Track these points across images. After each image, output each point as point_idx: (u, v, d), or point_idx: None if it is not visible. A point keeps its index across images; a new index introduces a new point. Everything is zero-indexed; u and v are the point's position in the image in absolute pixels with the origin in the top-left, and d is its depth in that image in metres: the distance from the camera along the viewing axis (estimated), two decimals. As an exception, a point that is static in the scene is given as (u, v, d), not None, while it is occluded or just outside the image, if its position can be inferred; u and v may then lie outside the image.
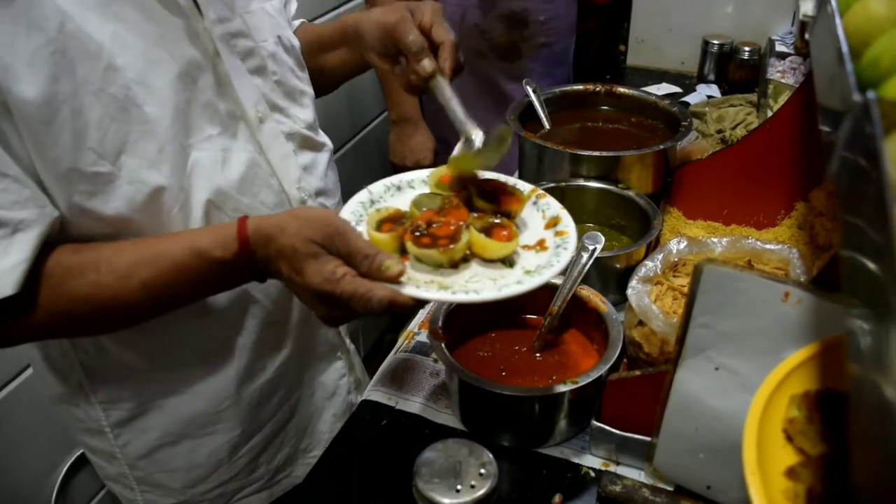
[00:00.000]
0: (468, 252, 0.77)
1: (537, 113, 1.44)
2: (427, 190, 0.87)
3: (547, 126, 1.43)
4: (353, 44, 1.00)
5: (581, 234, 1.04)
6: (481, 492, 0.73)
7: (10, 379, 1.52)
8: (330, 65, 1.09)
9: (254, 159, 0.91)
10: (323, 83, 1.11)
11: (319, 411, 1.12)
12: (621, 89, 1.49)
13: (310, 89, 1.05)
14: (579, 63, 2.09)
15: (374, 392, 1.05)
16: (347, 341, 1.14)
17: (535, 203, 0.86)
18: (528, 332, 1.02)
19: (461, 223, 0.77)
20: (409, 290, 0.69)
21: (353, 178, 1.38)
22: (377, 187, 0.87)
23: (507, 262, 0.77)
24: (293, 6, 1.09)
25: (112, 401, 0.94)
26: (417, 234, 0.75)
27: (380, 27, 0.91)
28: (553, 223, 0.82)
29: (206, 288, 0.83)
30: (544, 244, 0.79)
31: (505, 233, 0.77)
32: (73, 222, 0.78)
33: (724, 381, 0.77)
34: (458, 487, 0.74)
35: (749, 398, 0.57)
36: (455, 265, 0.76)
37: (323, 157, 1.07)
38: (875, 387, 0.33)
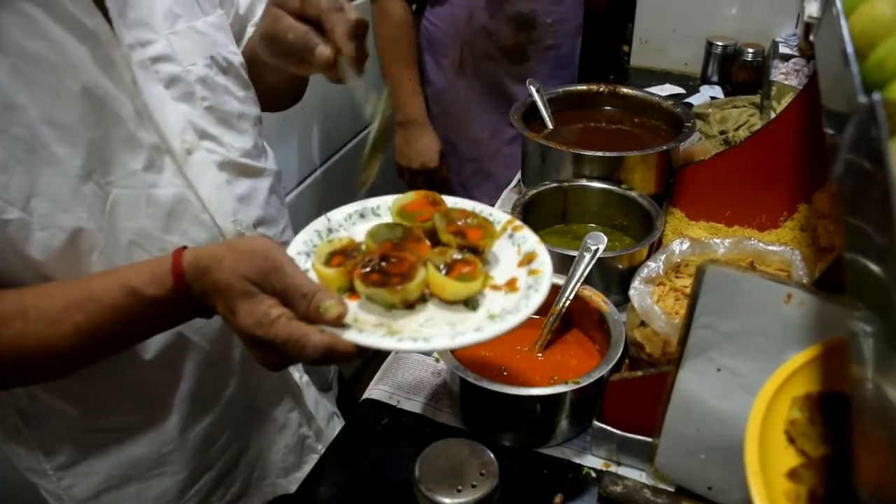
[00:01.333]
0: (427, 292, 0.69)
1: (541, 113, 1.44)
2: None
3: (550, 126, 1.43)
4: (266, 65, 0.89)
5: (584, 234, 1.05)
6: (482, 492, 0.73)
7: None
8: (272, 81, 0.99)
9: (181, 194, 0.84)
10: (279, 99, 1.06)
11: (270, 444, 1.07)
12: (625, 90, 1.50)
13: (252, 110, 0.97)
14: (583, 64, 2.09)
15: (376, 391, 1.05)
16: (297, 376, 1.07)
17: (510, 236, 0.77)
18: (529, 332, 1.02)
19: (418, 259, 0.68)
20: (351, 336, 0.62)
21: (354, 178, 1.37)
22: (337, 214, 0.79)
23: (470, 304, 0.68)
24: (258, 8, 1.00)
25: (50, 446, 0.90)
26: (367, 269, 0.67)
27: (264, 41, 0.81)
28: (528, 260, 0.73)
29: (144, 328, 0.76)
30: (515, 284, 0.71)
31: (468, 270, 0.68)
32: None
33: (726, 382, 0.77)
34: (460, 487, 0.74)
35: (751, 399, 0.57)
36: (410, 306, 0.67)
37: (263, 184, 0.99)
38: (877, 389, 0.33)
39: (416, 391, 1.04)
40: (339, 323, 0.62)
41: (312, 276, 0.68)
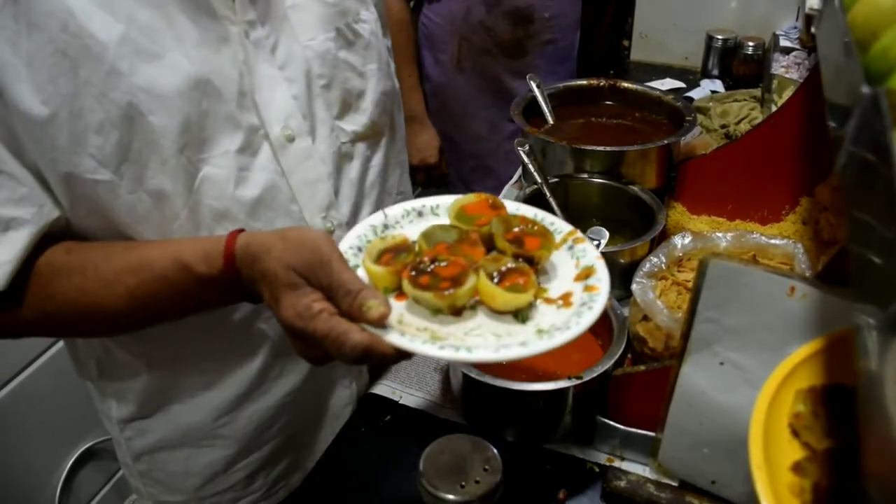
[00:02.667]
0: (476, 299, 0.66)
1: (541, 108, 1.43)
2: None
3: (551, 121, 1.43)
4: None
5: (585, 229, 1.04)
6: (486, 487, 0.73)
7: (15, 374, 1.52)
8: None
9: (273, 182, 0.83)
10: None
11: (321, 431, 1.08)
12: (625, 84, 1.49)
13: (377, 85, 0.93)
14: (583, 59, 2.09)
15: (379, 386, 1.05)
16: (360, 372, 1.07)
17: (570, 248, 0.73)
18: (532, 328, 1.02)
19: (470, 265, 0.66)
20: (392, 338, 0.59)
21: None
22: (395, 210, 0.77)
23: (520, 316, 0.65)
24: None
25: (118, 397, 0.94)
26: (417, 271, 0.65)
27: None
28: (585, 274, 0.70)
29: (192, 303, 0.76)
30: (569, 299, 0.67)
31: (520, 281, 0.65)
32: (77, 223, 0.77)
33: (730, 375, 0.77)
34: (463, 483, 0.73)
35: (754, 393, 0.57)
36: (458, 312, 0.65)
37: (377, 158, 0.97)
38: (882, 382, 0.33)
39: (418, 387, 1.04)
40: (382, 323, 0.60)
41: (362, 272, 0.67)
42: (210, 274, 0.70)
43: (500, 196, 1.49)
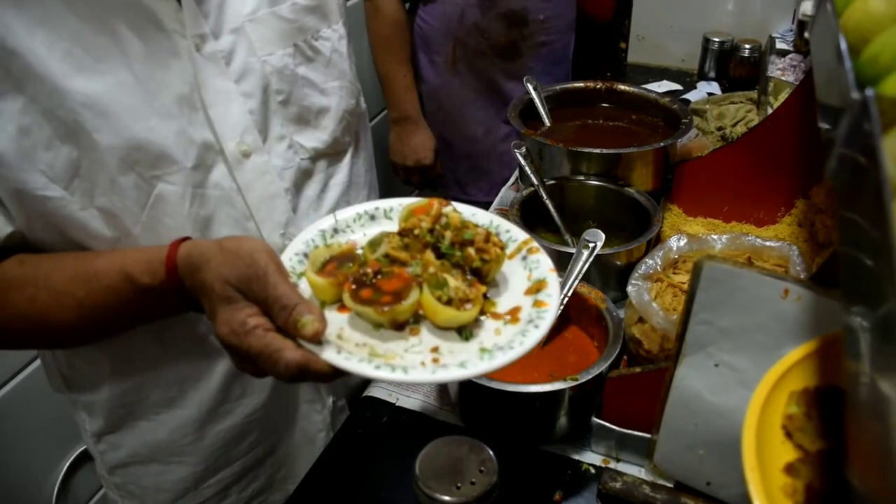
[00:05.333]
0: (420, 313, 0.63)
1: (538, 110, 1.44)
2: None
3: (547, 123, 1.43)
4: None
5: (581, 231, 1.05)
6: (481, 489, 0.73)
7: (11, 376, 1.52)
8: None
9: (227, 198, 0.81)
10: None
11: (299, 450, 1.06)
12: (622, 87, 1.49)
13: (339, 103, 0.92)
14: (579, 61, 2.09)
15: (375, 388, 1.05)
16: (326, 397, 1.05)
17: (524, 258, 0.70)
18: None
19: (414, 278, 0.63)
20: (329, 356, 0.57)
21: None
22: (346, 214, 0.73)
23: (464, 333, 0.62)
24: None
25: (88, 410, 0.93)
26: (359, 284, 0.62)
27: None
28: (536, 288, 0.66)
29: (140, 313, 0.75)
30: (517, 314, 0.64)
31: (466, 296, 0.62)
32: (33, 236, 0.76)
33: (724, 377, 0.77)
34: (459, 484, 0.74)
35: (748, 394, 0.57)
36: (400, 327, 0.62)
37: (339, 175, 0.95)
38: (872, 383, 0.33)
39: (415, 389, 1.04)
40: (317, 340, 0.58)
41: (304, 283, 0.65)
42: (152, 284, 0.69)
43: (497, 199, 1.51)
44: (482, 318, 0.64)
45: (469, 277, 0.65)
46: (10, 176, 0.69)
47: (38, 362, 1.59)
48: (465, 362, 0.58)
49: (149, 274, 0.69)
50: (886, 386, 0.31)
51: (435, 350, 0.61)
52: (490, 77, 1.91)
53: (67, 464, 1.69)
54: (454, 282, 0.63)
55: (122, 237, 0.77)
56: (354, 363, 0.57)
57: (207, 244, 0.66)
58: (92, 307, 0.72)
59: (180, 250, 0.67)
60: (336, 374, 0.58)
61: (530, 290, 0.66)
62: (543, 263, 0.69)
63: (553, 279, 0.67)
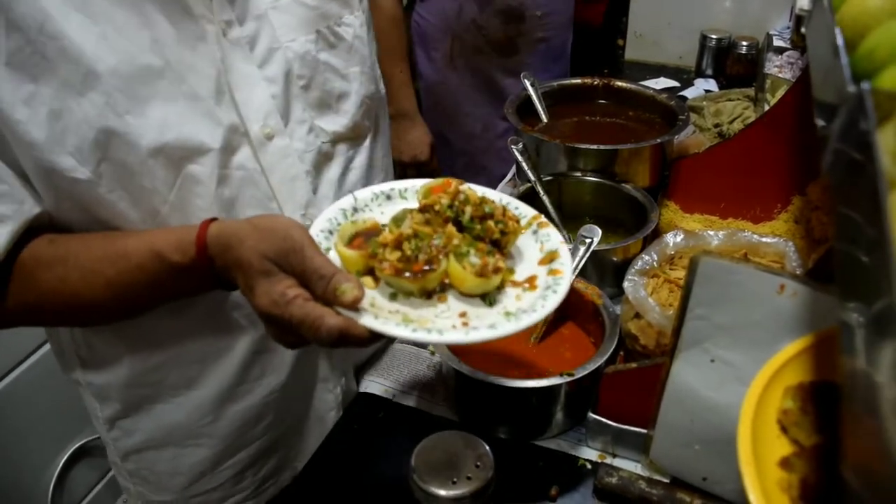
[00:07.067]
0: (446, 281, 0.68)
1: (535, 106, 1.44)
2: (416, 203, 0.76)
3: (545, 119, 1.43)
4: None
5: (578, 227, 1.05)
6: (477, 484, 0.73)
7: (8, 371, 1.52)
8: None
9: (251, 179, 0.84)
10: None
11: (308, 432, 1.08)
12: (619, 83, 1.50)
13: (359, 88, 0.94)
14: (577, 57, 2.09)
15: (372, 384, 1.05)
16: (339, 377, 1.06)
17: (535, 232, 0.76)
18: (525, 325, 1.02)
19: (441, 249, 0.67)
20: (367, 321, 0.61)
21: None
22: (364, 194, 0.78)
23: (487, 299, 0.67)
24: None
25: (102, 395, 0.94)
26: (388, 255, 0.66)
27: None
28: (549, 259, 0.72)
29: (169, 292, 0.78)
30: (534, 282, 0.69)
31: (489, 265, 0.67)
32: (61, 217, 0.77)
33: (720, 372, 0.77)
34: (455, 479, 0.74)
35: (744, 390, 0.58)
36: (428, 295, 0.67)
37: (360, 158, 0.98)
38: (867, 378, 0.33)
39: (411, 385, 1.04)
40: (356, 307, 0.61)
41: (334, 255, 0.68)
42: (183, 263, 0.71)
43: (494, 194, 1.51)
44: (502, 288, 0.69)
45: (491, 247, 0.69)
46: (41, 157, 0.71)
47: (35, 357, 1.59)
48: (494, 324, 0.63)
49: (179, 252, 0.71)
50: (881, 381, 0.31)
51: (463, 315, 0.65)
52: (488, 73, 1.91)
53: (64, 459, 1.70)
54: (478, 252, 0.68)
55: (150, 217, 0.78)
56: (392, 327, 0.61)
57: (238, 223, 0.69)
58: (122, 285, 0.74)
59: (210, 229, 0.70)
60: (373, 338, 0.61)
61: (544, 261, 0.72)
62: (554, 236, 0.74)
63: (565, 250, 0.72)
